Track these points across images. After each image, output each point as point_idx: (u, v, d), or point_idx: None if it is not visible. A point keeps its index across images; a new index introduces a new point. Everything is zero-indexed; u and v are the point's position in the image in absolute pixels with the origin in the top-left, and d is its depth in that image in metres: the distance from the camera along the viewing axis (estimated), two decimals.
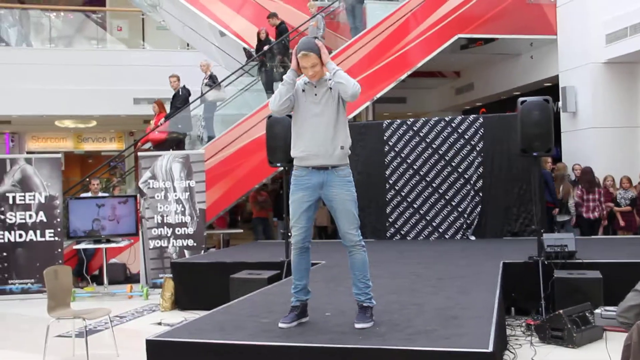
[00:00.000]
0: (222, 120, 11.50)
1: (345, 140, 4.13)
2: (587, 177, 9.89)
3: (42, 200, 9.15)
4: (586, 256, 6.58)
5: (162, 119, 11.01)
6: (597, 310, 5.71)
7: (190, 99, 11.21)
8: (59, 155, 9.88)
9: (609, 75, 10.74)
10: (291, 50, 11.43)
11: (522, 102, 6.65)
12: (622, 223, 9.83)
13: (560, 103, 11.23)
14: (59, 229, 9.14)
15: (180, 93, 11.15)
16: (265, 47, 11.46)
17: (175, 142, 10.87)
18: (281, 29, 11.56)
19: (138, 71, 15.00)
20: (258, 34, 11.71)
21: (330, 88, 4.08)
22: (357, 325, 4.01)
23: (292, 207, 4.17)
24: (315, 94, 4.10)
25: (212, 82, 11.29)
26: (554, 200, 9.99)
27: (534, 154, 6.62)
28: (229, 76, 11.64)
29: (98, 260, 9.69)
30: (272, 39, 11.52)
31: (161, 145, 10.72)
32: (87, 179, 10.90)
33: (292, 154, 4.20)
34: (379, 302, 4.72)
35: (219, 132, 10.86)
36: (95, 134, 19.15)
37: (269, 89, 11.37)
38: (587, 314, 5.58)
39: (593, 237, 9.60)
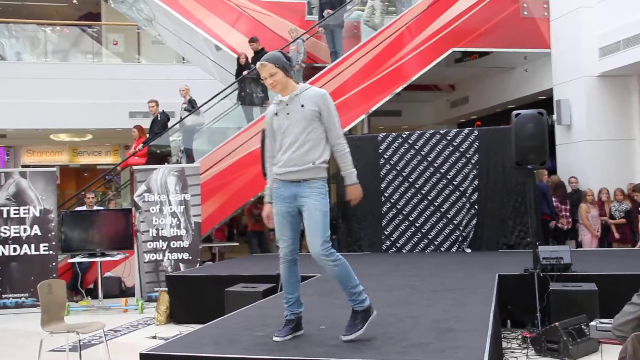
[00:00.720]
0: (215, 133, 11.54)
1: (320, 156, 4.08)
2: (560, 190, 10.25)
3: (37, 214, 9.12)
4: (582, 268, 6.59)
5: (141, 144, 10.94)
6: (593, 323, 5.70)
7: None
8: (54, 169, 9.86)
9: (603, 88, 10.80)
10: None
11: (517, 115, 6.68)
12: (616, 235, 9.85)
13: (554, 116, 11.29)
14: (53, 243, 9.11)
15: (159, 118, 11.00)
16: (245, 73, 11.44)
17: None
18: (263, 53, 11.56)
19: (134, 85, 15.04)
20: (238, 58, 11.74)
21: (302, 105, 4.04)
22: (343, 337, 3.94)
23: (275, 221, 4.15)
24: (288, 113, 4.06)
25: (191, 106, 11.15)
26: (552, 213, 10.02)
27: (529, 166, 6.65)
28: (210, 100, 11.51)
29: (93, 274, 9.65)
30: (253, 65, 11.53)
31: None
32: (83, 193, 10.87)
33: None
34: (377, 314, 4.71)
35: (200, 154, 10.84)
36: (90, 148, 19.16)
37: (248, 115, 11.36)
38: (582, 327, 5.58)
39: (588, 249, 9.62)
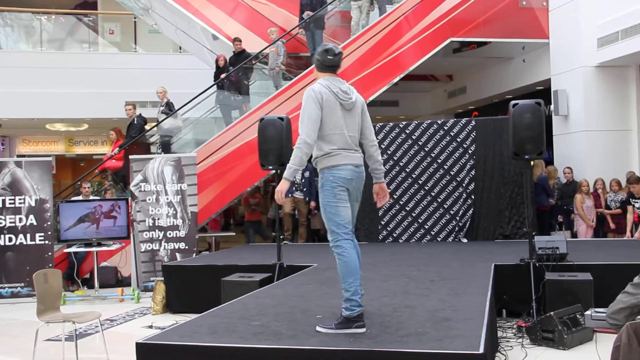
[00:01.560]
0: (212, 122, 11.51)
1: (317, 149, 4.17)
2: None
3: (33, 204, 9.10)
4: (577, 258, 6.60)
5: (117, 148, 10.79)
6: (588, 312, 5.72)
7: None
8: (50, 159, 9.82)
9: (601, 78, 10.78)
10: (250, 82, 11.47)
11: (514, 105, 6.66)
12: (612, 226, 9.87)
13: (552, 106, 11.28)
14: (49, 233, 9.09)
15: (136, 122, 10.77)
16: (223, 75, 11.37)
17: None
18: (244, 56, 11.54)
19: (130, 74, 14.99)
20: (217, 60, 11.69)
21: None
22: (317, 327, 4.05)
23: None
24: None
25: (169, 109, 10.94)
26: (555, 204, 10.04)
27: (526, 157, 6.63)
28: (188, 102, 11.37)
29: (89, 264, 9.64)
30: (231, 67, 11.48)
31: (119, 171, 10.61)
32: (79, 182, 10.84)
33: None
34: (372, 305, 4.72)
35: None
36: (86, 137, 19.12)
37: (227, 117, 11.31)
38: (577, 316, 5.59)
39: (584, 239, 9.64)
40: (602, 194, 10.08)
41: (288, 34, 11.67)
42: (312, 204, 10.32)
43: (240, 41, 11.68)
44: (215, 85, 11.47)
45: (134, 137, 10.62)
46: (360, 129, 4.29)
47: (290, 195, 10.11)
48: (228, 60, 11.60)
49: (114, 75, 14.98)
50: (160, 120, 10.93)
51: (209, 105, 11.81)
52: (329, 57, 4.22)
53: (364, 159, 4.31)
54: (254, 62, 11.70)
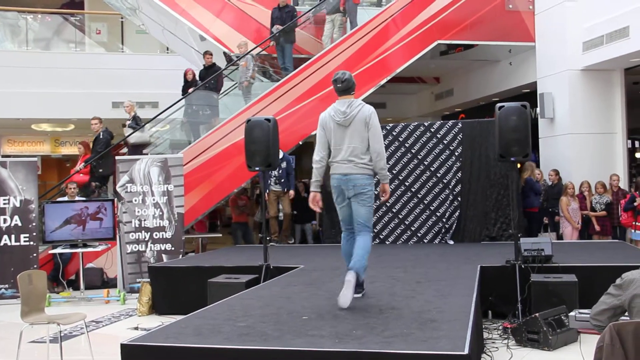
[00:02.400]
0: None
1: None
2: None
3: (17, 205, 9.02)
4: (562, 260, 6.65)
5: (83, 163, 10.61)
6: (572, 313, 5.71)
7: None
8: (35, 159, 9.75)
9: (586, 82, 10.88)
10: (218, 97, 11.45)
11: (500, 107, 6.70)
12: (597, 228, 9.95)
13: (538, 109, 11.36)
14: (34, 234, 9.02)
15: (102, 136, 10.47)
16: (191, 90, 11.31)
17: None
18: (214, 70, 11.51)
19: (117, 75, 14.92)
20: (185, 74, 11.68)
21: None
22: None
23: None
24: None
25: (136, 123, 10.73)
26: (541, 206, 10.11)
27: (512, 159, 6.67)
28: (156, 117, 11.38)
29: (74, 265, 9.57)
30: (200, 81, 11.47)
31: (86, 186, 10.47)
32: (64, 183, 10.75)
33: None
34: (358, 306, 4.74)
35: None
36: (72, 138, 18.96)
37: (195, 132, 11.24)
38: (562, 317, 5.64)
39: (569, 241, 9.71)
40: (588, 197, 10.16)
41: (264, 42, 11.59)
42: (291, 192, 10.18)
43: (211, 55, 11.68)
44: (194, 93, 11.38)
45: (100, 152, 10.28)
46: (367, 139, 4.96)
47: (268, 190, 9.84)
48: (198, 74, 11.60)
49: (100, 75, 14.90)
50: (127, 135, 10.68)
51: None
52: (336, 85, 5.12)
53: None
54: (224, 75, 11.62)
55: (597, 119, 10.90)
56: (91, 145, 10.72)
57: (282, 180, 10.05)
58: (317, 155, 5.07)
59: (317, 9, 11.86)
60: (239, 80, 11.50)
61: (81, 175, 10.49)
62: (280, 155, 8.91)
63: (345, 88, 5.07)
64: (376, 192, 5.21)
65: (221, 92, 11.90)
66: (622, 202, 9.70)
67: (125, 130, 10.74)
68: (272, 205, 10.12)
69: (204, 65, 11.75)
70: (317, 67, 10.72)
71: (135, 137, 10.67)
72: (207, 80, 11.27)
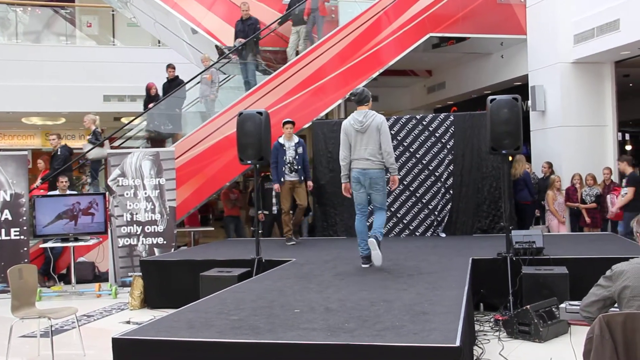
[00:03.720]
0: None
1: None
2: None
3: (8, 198, 8.97)
4: (553, 252, 6.69)
5: (40, 179, 10.48)
6: (562, 305, 5.76)
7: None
8: (26, 153, 9.69)
9: (577, 75, 10.90)
10: (180, 111, 11.34)
11: (492, 100, 6.71)
12: (587, 220, 10.00)
13: (529, 102, 11.38)
14: (24, 228, 8.97)
15: (60, 152, 10.25)
16: (151, 105, 11.23)
17: None
18: (177, 82, 11.45)
19: (108, 68, 14.84)
20: (149, 89, 11.64)
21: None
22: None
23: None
24: None
25: (95, 139, 10.51)
26: (533, 199, 10.14)
27: (503, 151, 6.69)
28: (119, 130, 11.22)
29: (66, 259, 9.54)
30: (160, 95, 11.46)
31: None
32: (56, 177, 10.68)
33: None
34: (350, 299, 4.75)
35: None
36: (63, 132, 18.81)
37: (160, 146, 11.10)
38: (553, 309, 5.67)
39: (560, 233, 9.76)
40: (579, 189, 10.20)
41: (228, 54, 11.49)
42: (310, 183, 9.15)
43: (174, 68, 11.62)
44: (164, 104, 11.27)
45: (57, 169, 10.02)
46: (379, 142, 6.23)
47: (283, 180, 8.80)
48: (162, 87, 11.54)
49: (91, 68, 14.81)
50: (86, 150, 10.48)
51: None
52: (352, 98, 6.45)
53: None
54: (188, 88, 11.49)
55: (588, 112, 10.93)
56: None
57: (299, 168, 8.88)
58: (342, 154, 6.38)
59: (284, 20, 11.63)
60: (202, 94, 11.32)
61: (41, 191, 10.26)
62: (296, 140, 8.94)
63: (359, 100, 6.35)
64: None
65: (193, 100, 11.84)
66: (614, 194, 9.69)
67: (84, 145, 10.38)
68: (285, 198, 8.94)
69: (167, 78, 11.67)
70: (309, 60, 10.69)
71: (94, 153, 10.44)
72: (170, 94, 11.19)
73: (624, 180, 9.54)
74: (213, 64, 11.23)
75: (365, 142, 6.25)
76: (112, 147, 10.77)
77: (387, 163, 6.27)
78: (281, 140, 8.92)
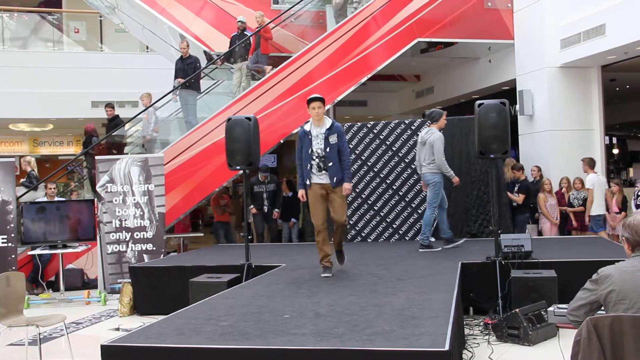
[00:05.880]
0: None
1: None
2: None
3: None
4: (541, 256, 6.72)
5: None
6: (551, 308, 5.83)
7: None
8: (13, 160, 9.63)
9: (564, 79, 10.99)
10: (128, 140, 11.23)
11: (480, 105, 6.74)
12: (575, 224, 10.06)
13: (517, 106, 11.45)
14: (12, 235, 8.90)
15: None
16: (92, 146, 11.12)
17: None
18: (116, 122, 11.43)
19: (96, 74, 14.78)
20: (86, 129, 11.60)
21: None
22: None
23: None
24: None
25: (30, 182, 10.36)
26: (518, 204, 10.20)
27: (491, 156, 6.72)
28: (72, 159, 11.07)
29: (54, 266, 9.48)
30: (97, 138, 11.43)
31: None
32: (43, 184, 10.63)
33: None
34: (340, 304, 4.75)
35: None
36: (51, 138, 18.79)
37: (92, 188, 10.88)
38: (542, 312, 5.70)
39: (548, 237, 9.81)
40: (567, 192, 10.26)
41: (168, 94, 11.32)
42: (346, 186, 6.26)
43: (113, 107, 11.57)
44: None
45: None
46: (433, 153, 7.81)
47: (309, 183, 6.24)
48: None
49: (79, 74, 14.75)
50: (20, 194, 10.13)
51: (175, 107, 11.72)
52: (425, 117, 8.32)
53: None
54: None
55: (575, 116, 11.02)
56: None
57: (331, 166, 6.18)
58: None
59: (227, 56, 11.56)
60: (141, 134, 11.22)
61: None
62: (328, 124, 6.24)
63: (428, 119, 8.17)
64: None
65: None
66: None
67: (17, 189, 9.85)
68: (316, 209, 6.29)
69: (107, 118, 11.60)
70: (297, 65, 10.71)
71: (27, 197, 10.16)
72: (109, 134, 11.16)
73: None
74: (153, 103, 11.07)
75: (424, 153, 7.96)
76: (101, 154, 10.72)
77: (440, 169, 7.89)
78: (307, 126, 6.29)
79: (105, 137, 11.15)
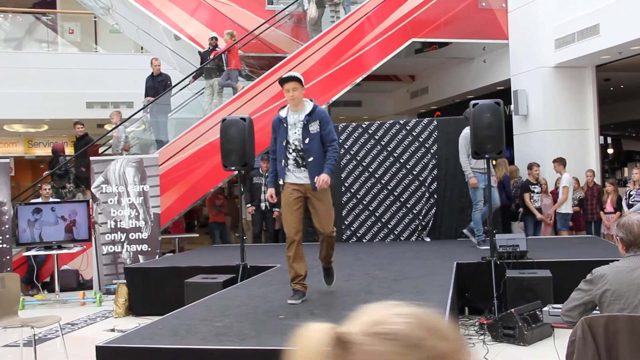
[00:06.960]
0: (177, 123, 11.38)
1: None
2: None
3: None
4: (537, 256, 6.74)
5: None
6: (546, 308, 5.85)
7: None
8: (8, 160, 9.60)
9: (559, 79, 11.01)
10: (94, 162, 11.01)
11: (474, 105, 6.75)
12: (570, 223, 10.08)
13: (512, 106, 11.47)
14: (7, 236, 8.88)
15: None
16: (59, 167, 10.97)
17: None
18: (86, 140, 11.38)
19: (91, 75, 14.73)
20: (54, 149, 11.46)
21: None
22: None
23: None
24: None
25: None
26: (511, 201, 10.21)
27: (486, 156, 6.74)
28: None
29: (49, 267, 9.45)
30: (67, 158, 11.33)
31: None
32: (38, 184, 10.61)
33: None
34: (335, 304, 4.75)
35: None
36: (46, 139, 18.72)
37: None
38: (537, 312, 5.71)
39: (543, 237, 9.84)
40: None
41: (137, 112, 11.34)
42: (323, 178, 5.04)
43: (83, 125, 11.48)
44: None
45: None
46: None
47: (282, 182, 5.20)
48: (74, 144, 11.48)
49: (74, 75, 14.70)
50: None
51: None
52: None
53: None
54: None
55: (570, 116, 11.04)
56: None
57: (311, 161, 5.08)
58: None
59: (197, 75, 11.51)
60: (113, 150, 11.15)
61: None
62: (308, 110, 5.13)
63: (465, 119, 7.66)
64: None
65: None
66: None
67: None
68: (289, 214, 5.24)
69: (75, 136, 11.49)
70: (292, 66, 10.70)
71: None
72: (77, 153, 11.03)
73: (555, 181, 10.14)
74: (123, 121, 10.98)
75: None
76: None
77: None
78: (282, 112, 5.17)
79: (73, 156, 11.00)
